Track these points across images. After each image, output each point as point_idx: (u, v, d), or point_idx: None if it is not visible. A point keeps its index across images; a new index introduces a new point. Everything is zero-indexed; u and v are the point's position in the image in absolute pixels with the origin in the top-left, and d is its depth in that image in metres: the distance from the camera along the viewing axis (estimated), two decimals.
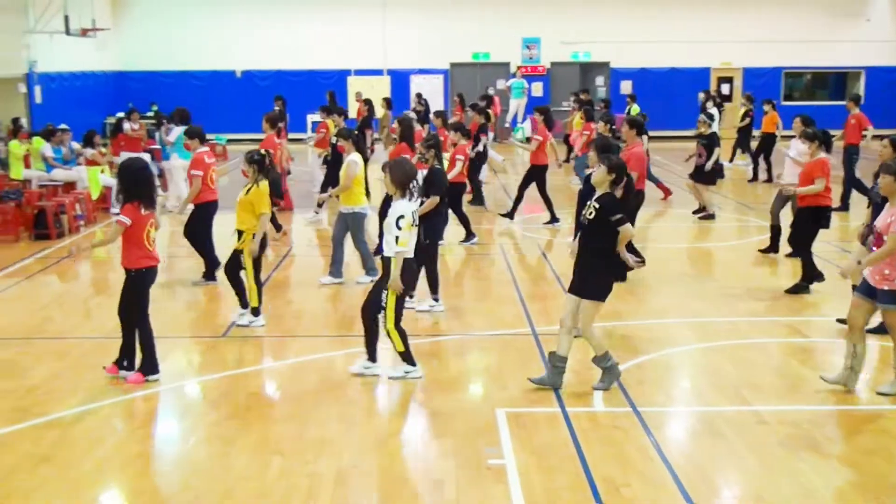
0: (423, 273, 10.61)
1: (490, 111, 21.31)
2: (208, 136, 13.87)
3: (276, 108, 21.10)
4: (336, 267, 11.94)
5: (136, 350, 8.49)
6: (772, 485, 6.43)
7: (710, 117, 17.89)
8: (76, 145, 18.66)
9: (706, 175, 16.85)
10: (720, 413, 7.76)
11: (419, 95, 25.03)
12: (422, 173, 10.45)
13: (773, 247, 13.45)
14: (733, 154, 24.45)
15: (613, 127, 14.51)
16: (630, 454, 6.88)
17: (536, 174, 16.12)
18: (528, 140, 16.93)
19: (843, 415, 7.82)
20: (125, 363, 8.50)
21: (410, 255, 8.23)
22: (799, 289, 11.44)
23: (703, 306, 11.02)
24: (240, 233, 10.09)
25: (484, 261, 13.88)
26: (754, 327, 10.21)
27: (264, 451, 6.96)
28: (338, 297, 11.56)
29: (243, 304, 10.28)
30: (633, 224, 7.92)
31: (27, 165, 17.42)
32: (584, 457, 6.79)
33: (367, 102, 19.83)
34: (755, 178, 21.91)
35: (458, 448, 7.01)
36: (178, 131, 17.16)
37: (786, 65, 32.67)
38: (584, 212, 8.02)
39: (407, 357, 8.43)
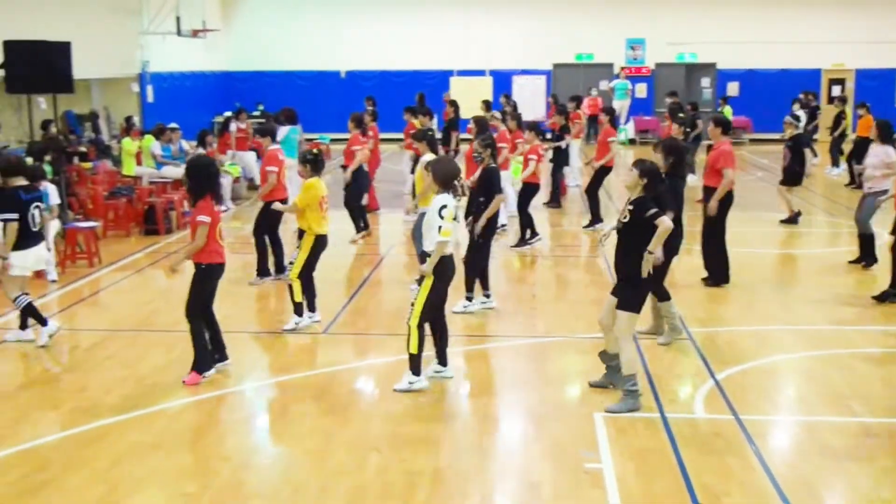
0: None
1: (580, 112, 21.17)
2: (312, 136, 14.09)
3: (369, 107, 21.26)
4: None
5: (223, 341, 8.71)
6: (880, 500, 6.23)
7: (797, 118, 17.38)
8: (185, 143, 19.14)
9: (791, 177, 16.33)
10: (827, 423, 7.55)
11: (507, 96, 25.06)
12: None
13: (867, 256, 12.87)
14: (836, 160, 23.79)
15: (687, 129, 14.22)
16: (731, 463, 6.73)
17: (605, 174, 15.99)
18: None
19: None
20: (216, 356, 8.70)
21: (451, 249, 8.12)
22: (887, 296, 11.00)
23: (810, 313, 10.73)
24: (301, 232, 10.19)
25: (582, 263, 13.78)
26: (863, 336, 9.90)
27: (362, 448, 7.02)
28: None
29: (311, 307, 10.27)
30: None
31: (139, 162, 17.93)
32: (684, 464, 6.68)
33: (454, 104, 19.83)
34: (852, 181, 21.19)
35: (555, 451, 6.97)
36: (284, 131, 17.45)
37: None
38: (619, 217, 7.89)
39: (415, 364, 8.13)
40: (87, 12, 21.61)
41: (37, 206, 9.52)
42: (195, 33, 25.99)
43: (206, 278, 8.42)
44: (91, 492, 6.32)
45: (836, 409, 7.83)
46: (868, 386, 8.36)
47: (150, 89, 25.66)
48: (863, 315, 10.66)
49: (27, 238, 9.39)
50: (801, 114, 22.70)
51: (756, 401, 8.07)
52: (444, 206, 7.99)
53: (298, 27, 31.94)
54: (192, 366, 8.44)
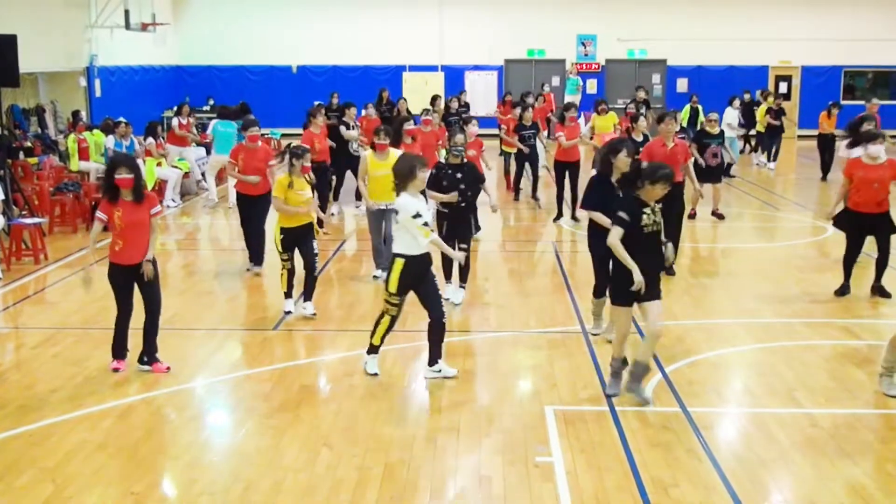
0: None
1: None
2: (263, 131, 14.07)
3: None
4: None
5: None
6: (825, 490, 6.33)
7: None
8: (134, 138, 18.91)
9: (712, 174, 15.96)
10: (772, 415, 7.66)
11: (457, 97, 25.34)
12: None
13: None
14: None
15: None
16: (679, 455, 6.81)
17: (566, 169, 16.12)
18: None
19: None
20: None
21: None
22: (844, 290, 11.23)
23: (758, 306, 10.88)
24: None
25: (535, 258, 13.84)
26: (810, 329, 10.05)
27: (314, 444, 7.01)
28: None
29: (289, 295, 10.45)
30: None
31: (85, 157, 17.70)
32: (633, 457, 6.75)
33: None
34: (824, 178, 21.45)
35: (506, 445, 7.00)
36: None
37: (846, 63, 32.10)
38: (649, 220, 7.62)
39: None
40: (33, 4, 21.30)
41: None
42: (144, 27, 25.72)
43: None
44: (38, 492, 6.23)
45: (782, 401, 7.94)
46: (815, 378, 8.48)
47: (97, 83, 25.33)
48: (815, 309, 10.77)
49: None
50: (734, 113, 23.21)
51: (704, 393, 8.16)
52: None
53: (249, 22, 31.69)
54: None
